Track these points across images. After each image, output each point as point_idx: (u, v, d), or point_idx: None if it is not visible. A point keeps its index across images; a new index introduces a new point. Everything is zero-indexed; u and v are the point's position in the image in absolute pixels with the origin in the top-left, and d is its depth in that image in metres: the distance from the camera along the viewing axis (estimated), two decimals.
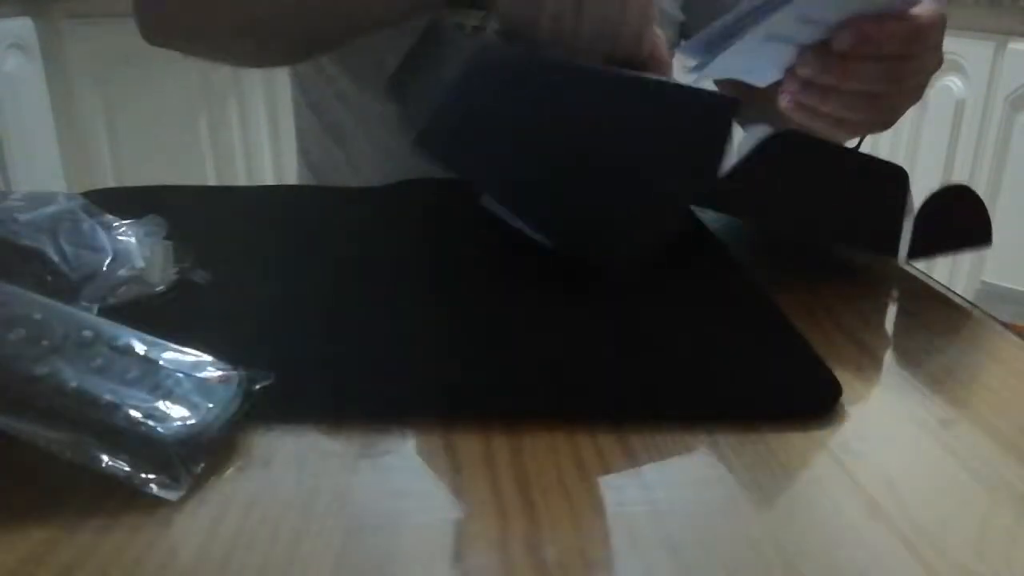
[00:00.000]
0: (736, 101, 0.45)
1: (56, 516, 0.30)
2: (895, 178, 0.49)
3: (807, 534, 0.30)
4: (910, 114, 2.01)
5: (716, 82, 0.71)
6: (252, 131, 2.08)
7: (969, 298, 0.53)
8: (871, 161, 0.49)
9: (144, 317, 0.43)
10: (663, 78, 0.49)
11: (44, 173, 1.91)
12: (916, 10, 0.56)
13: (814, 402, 0.38)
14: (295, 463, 0.33)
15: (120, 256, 0.45)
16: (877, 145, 1.99)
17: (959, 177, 1.81)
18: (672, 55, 0.60)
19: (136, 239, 0.47)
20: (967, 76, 1.77)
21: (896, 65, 0.56)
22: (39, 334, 0.33)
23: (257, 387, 0.35)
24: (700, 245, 0.56)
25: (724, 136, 0.45)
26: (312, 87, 0.82)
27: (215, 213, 0.62)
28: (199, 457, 0.32)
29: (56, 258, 0.42)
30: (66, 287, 0.42)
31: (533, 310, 0.45)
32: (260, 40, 0.68)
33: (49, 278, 0.42)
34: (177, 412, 0.32)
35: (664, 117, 0.45)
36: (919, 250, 0.50)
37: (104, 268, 0.44)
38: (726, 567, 0.28)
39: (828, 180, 0.48)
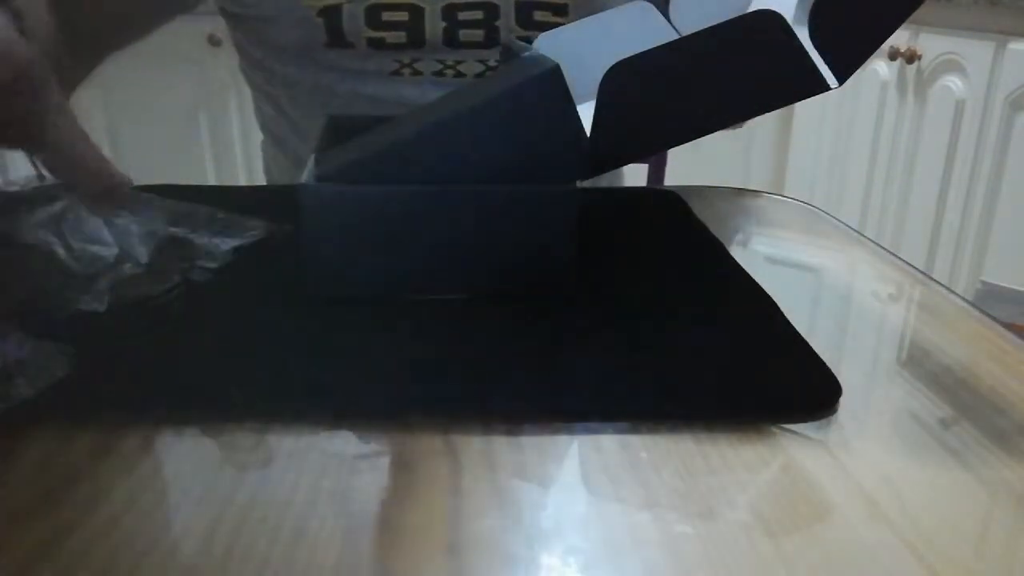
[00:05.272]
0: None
1: (55, 517, 0.30)
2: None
3: (807, 534, 0.30)
4: (910, 113, 2.01)
5: None
6: (252, 131, 2.08)
7: (969, 298, 0.53)
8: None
9: (148, 316, 0.43)
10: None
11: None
12: None
13: (814, 402, 0.38)
14: (295, 463, 0.33)
15: (124, 251, 0.45)
16: (876, 145, 1.99)
17: (959, 177, 1.81)
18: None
19: (138, 234, 0.47)
20: (967, 76, 1.77)
21: None
22: None
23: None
24: (700, 245, 0.56)
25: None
26: (273, 125, 0.86)
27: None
28: None
29: (63, 255, 0.43)
30: (74, 283, 0.42)
31: (532, 310, 0.46)
32: None
33: (57, 275, 0.42)
34: None
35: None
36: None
37: (111, 263, 0.44)
38: (726, 567, 0.28)
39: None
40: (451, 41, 0.74)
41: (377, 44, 0.73)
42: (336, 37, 0.73)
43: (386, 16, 0.72)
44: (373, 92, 0.75)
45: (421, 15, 0.73)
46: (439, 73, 0.76)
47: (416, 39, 0.74)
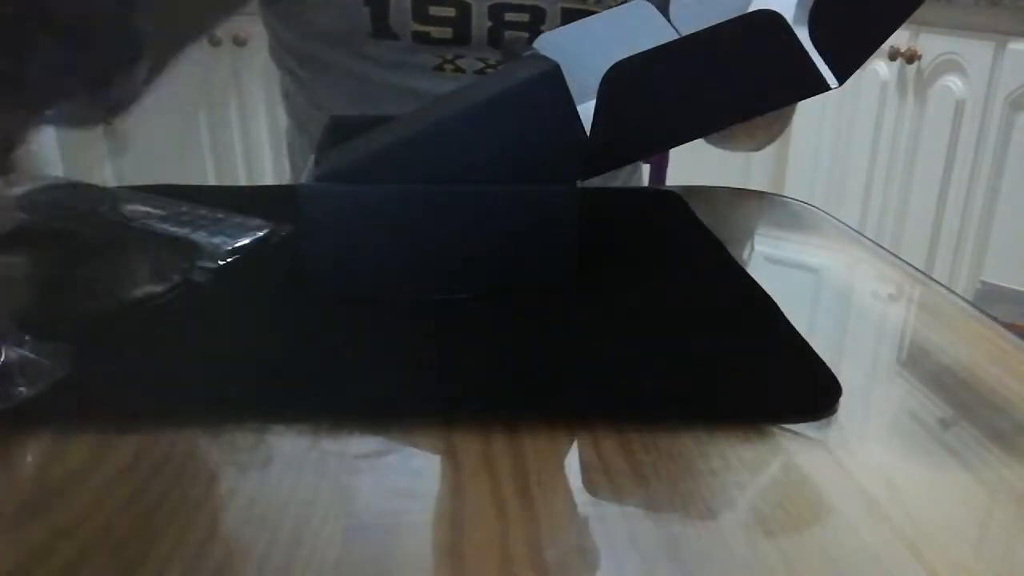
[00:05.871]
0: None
1: (56, 516, 0.30)
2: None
3: (807, 534, 0.30)
4: (910, 113, 2.00)
5: None
6: (252, 131, 2.08)
7: (969, 298, 0.53)
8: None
9: (148, 316, 0.43)
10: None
11: (44, 173, 1.90)
12: None
13: (814, 402, 0.38)
14: (295, 463, 0.33)
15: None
16: (876, 146, 1.99)
17: (959, 177, 1.81)
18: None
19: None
20: (967, 76, 1.77)
21: None
22: None
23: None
24: (700, 245, 0.56)
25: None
26: (298, 107, 0.86)
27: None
28: None
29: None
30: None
31: (532, 310, 0.46)
32: None
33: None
34: None
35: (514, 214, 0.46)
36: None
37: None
38: (726, 567, 0.28)
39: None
40: (495, 41, 0.75)
41: (422, 38, 0.74)
42: (381, 28, 0.73)
43: (433, 11, 0.73)
44: (414, 86, 0.75)
45: (468, 12, 0.73)
46: (481, 71, 0.76)
47: (462, 36, 0.74)
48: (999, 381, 0.41)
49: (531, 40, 0.74)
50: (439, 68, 0.75)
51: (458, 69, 0.75)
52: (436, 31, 0.73)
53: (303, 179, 0.46)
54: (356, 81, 0.77)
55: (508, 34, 0.74)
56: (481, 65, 0.75)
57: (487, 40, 0.74)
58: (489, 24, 0.74)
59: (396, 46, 0.74)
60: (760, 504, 0.31)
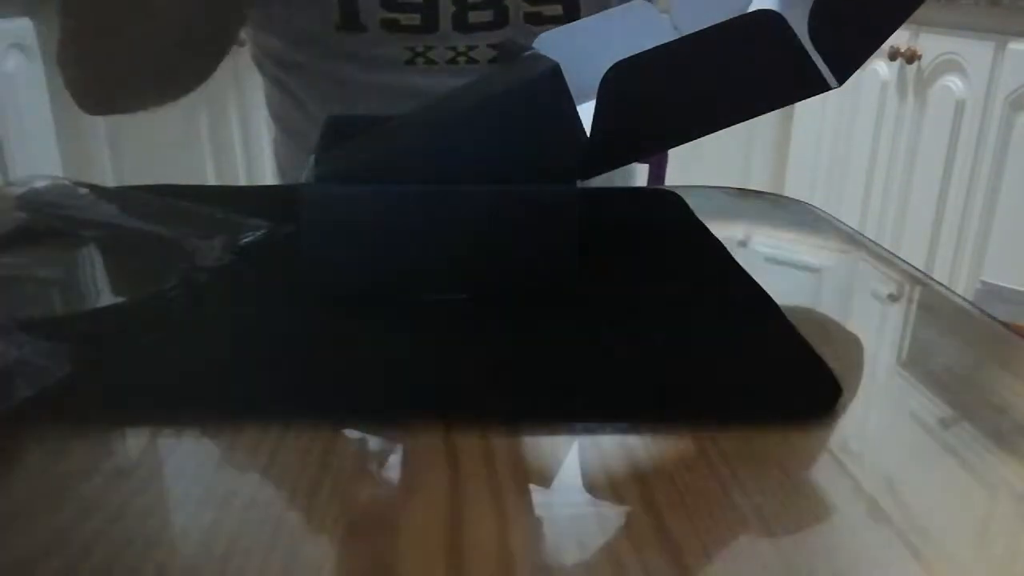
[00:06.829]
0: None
1: (56, 516, 0.30)
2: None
3: (807, 534, 0.30)
4: (910, 113, 2.00)
5: None
6: (252, 131, 2.08)
7: (969, 298, 0.53)
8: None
9: (148, 316, 0.44)
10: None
11: (44, 173, 1.90)
12: None
13: (814, 402, 0.38)
14: (294, 463, 0.33)
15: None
16: (877, 144, 1.99)
17: (959, 177, 1.81)
18: None
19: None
20: (967, 76, 1.77)
21: None
22: None
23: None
24: (700, 245, 0.56)
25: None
26: (280, 107, 0.86)
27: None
28: None
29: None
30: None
31: (532, 310, 0.46)
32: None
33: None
34: None
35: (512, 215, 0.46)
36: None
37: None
38: (726, 567, 0.28)
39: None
40: (461, 25, 0.75)
41: (390, 26, 0.74)
42: (349, 18, 0.73)
43: None
44: (388, 81, 0.76)
45: None
46: (452, 61, 0.76)
47: (430, 22, 0.74)
48: (999, 381, 0.41)
49: (496, 22, 0.75)
50: (410, 62, 0.75)
51: (429, 62, 0.76)
52: (404, 18, 0.74)
53: (303, 179, 0.46)
54: (331, 81, 0.77)
55: (472, 15, 0.74)
56: (452, 54, 0.75)
57: (452, 26, 0.74)
58: (453, 9, 0.74)
59: (365, 38, 0.74)
60: (760, 504, 0.31)
